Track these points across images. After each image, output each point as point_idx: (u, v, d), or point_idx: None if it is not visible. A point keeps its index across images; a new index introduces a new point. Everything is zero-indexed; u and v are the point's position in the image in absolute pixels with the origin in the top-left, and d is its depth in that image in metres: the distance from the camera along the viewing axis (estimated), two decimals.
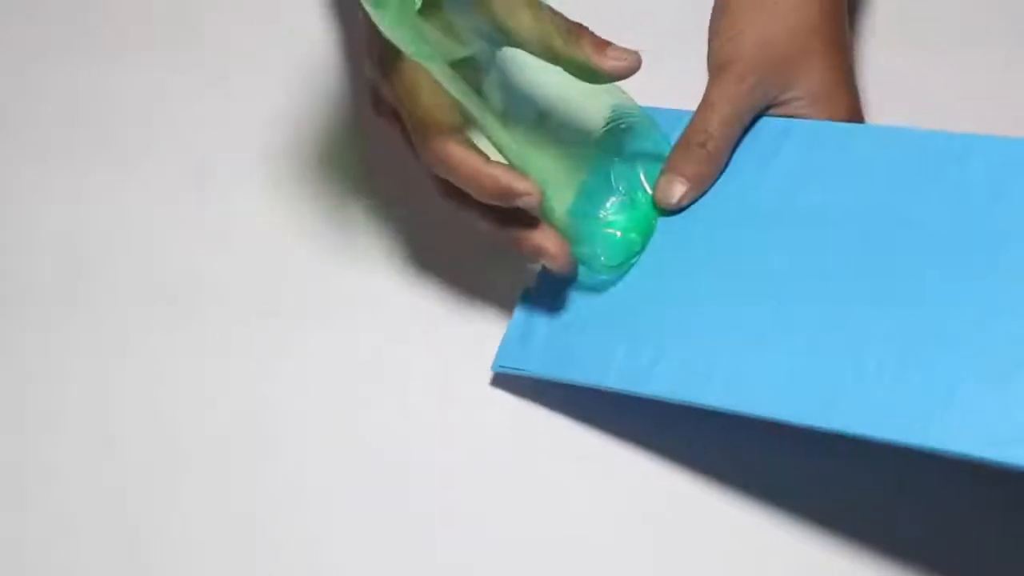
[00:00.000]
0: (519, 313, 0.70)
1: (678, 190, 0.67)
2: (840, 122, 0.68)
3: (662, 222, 0.69)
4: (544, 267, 0.68)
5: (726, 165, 0.68)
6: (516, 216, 0.65)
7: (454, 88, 0.62)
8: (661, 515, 0.67)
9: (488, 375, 0.71)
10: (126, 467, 0.70)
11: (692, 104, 0.69)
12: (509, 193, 0.63)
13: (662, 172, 0.68)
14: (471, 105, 0.63)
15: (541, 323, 0.70)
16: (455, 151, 0.63)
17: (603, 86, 0.65)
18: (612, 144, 0.68)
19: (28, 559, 0.68)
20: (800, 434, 0.62)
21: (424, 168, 0.65)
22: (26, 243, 0.77)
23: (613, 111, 0.68)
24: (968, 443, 0.57)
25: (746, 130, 0.68)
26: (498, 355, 0.70)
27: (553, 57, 0.63)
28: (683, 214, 0.68)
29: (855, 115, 0.69)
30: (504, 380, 0.71)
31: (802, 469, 0.67)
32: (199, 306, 0.74)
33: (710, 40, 0.70)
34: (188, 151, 0.79)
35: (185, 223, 0.77)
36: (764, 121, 0.69)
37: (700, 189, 0.68)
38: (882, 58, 0.78)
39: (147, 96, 0.81)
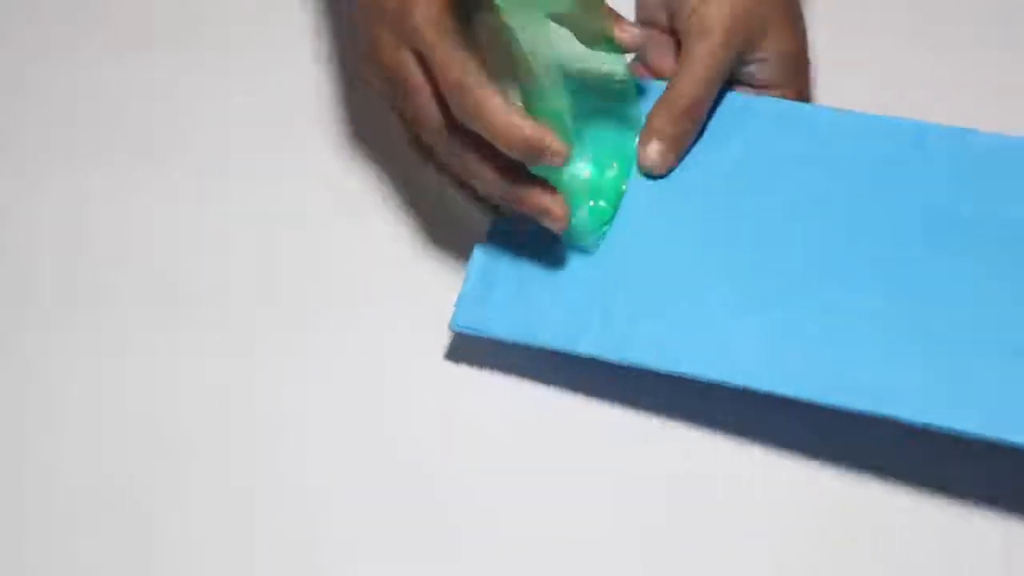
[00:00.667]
0: (474, 270, 0.70)
1: (655, 148, 0.69)
2: (803, 91, 0.71)
3: (629, 193, 0.69)
4: (513, 223, 0.70)
5: (702, 129, 0.69)
6: (522, 173, 0.66)
7: (530, 42, 0.64)
8: (658, 508, 0.68)
9: (487, 370, 0.71)
10: (128, 468, 0.70)
11: None
12: (541, 148, 0.63)
13: (641, 134, 0.69)
14: (535, 62, 0.64)
15: (500, 282, 0.69)
16: (494, 98, 0.63)
17: (606, 53, 0.67)
18: (593, 106, 0.69)
19: (28, 559, 0.68)
20: (785, 409, 0.65)
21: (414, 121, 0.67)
22: (26, 243, 0.77)
23: (607, 74, 0.69)
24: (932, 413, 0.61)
25: (719, 94, 0.70)
26: (456, 314, 0.69)
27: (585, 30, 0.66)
28: (650, 185, 0.69)
29: (809, 83, 0.72)
30: (504, 362, 0.71)
31: (790, 441, 0.68)
32: (199, 307, 0.74)
33: (676, 9, 0.71)
34: (189, 151, 0.79)
35: (186, 223, 0.77)
36: (729, 96, 0.70)
37: (677, 149, 0.69)
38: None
39: (147, 96, 0.81)
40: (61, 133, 0.80)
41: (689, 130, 0.69)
